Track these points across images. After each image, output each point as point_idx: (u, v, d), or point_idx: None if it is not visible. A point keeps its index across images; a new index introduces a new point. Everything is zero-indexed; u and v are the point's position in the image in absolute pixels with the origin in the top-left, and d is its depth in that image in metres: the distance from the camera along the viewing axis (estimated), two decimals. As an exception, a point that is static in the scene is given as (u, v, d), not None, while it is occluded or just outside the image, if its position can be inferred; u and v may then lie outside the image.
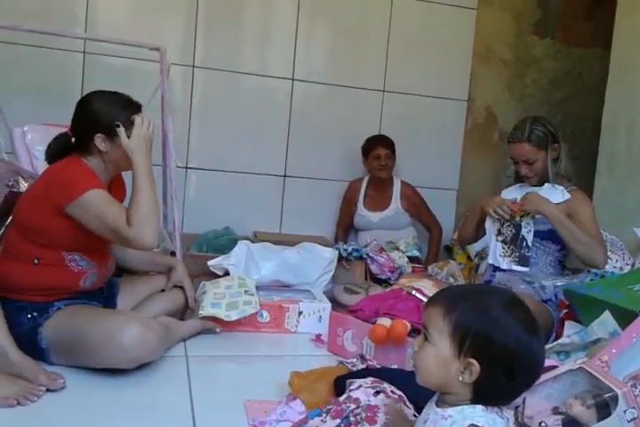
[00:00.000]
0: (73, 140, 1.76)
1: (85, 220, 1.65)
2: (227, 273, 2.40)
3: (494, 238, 2.22)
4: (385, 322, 1.84)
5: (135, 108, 1.79)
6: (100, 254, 1.83)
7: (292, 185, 3.42)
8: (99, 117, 1.72)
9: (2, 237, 1.86)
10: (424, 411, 0.95)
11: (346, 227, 3.38)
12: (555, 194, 2.17)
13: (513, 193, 2.29)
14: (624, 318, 1.70)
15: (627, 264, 2.28)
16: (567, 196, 2.17)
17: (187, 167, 3.22)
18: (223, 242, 2.83)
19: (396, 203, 3.31)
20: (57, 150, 1.79)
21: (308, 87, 3.39)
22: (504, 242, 2.19)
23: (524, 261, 2.17)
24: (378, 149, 3.22)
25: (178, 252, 2.32)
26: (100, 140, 1.72)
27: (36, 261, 1.70)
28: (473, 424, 0.85)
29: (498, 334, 0.86)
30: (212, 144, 3.25)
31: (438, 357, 0.89)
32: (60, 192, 1.65)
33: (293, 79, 3.36)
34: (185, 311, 2.09)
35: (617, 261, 2.28)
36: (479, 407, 0.87)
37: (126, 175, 1.88)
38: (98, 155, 1.76)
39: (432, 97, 3.57)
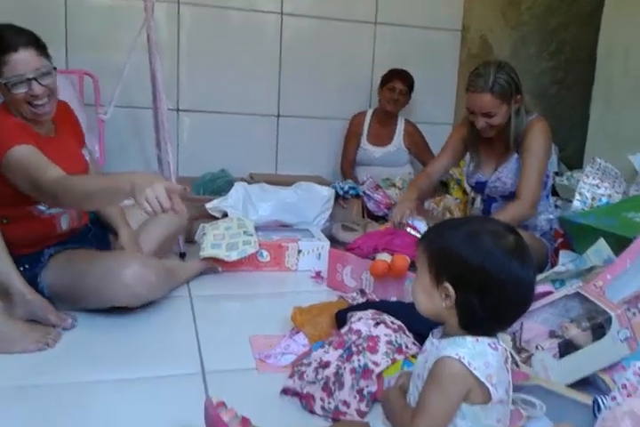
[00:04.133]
0: None
1: (14, 179, 1.56)
2: (225, 215, 2.42)
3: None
4: (385, 257, 1.87)
5: (7, 46, 1.57)
6: None
7: (285, 125, 3.37)
8: None
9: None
10: (425, 344, 0.98)
11: (352, 161, 3.35)
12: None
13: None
14: (618, 244, 1.73)
15: (617, 192, 2.28)
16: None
17: (178, 109, 3.16)
18: (220, 184, 2.83)
19: (398, 139, 3.30)
20: None
21: (297, 21, 3.28)
22: None
23: None
24: (395, 82, 3.19)
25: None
26: None
27: (5, 221, 1.66)
28: (447, 356, 0.87)
29: (465, 258, 0.87)
30: (203, 85, 3.18)
31: (423, 288, 0.92)
32: None
33: (282, 13, 3.25)
34: (187, 231, 2.09)
35: (606, 188, 2.27)
36: (469, 339, 0.89)
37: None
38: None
39: (425, 28, 3.47)
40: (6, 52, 1.56)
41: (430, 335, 0.98)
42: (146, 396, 1.29)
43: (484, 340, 0.89)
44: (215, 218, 2.37)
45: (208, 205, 2.42)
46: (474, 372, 0.86)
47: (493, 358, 0.89)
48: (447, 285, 0.89)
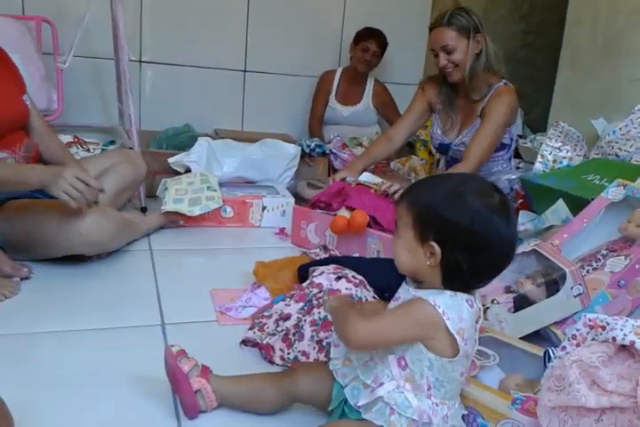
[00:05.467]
0: None
1: None
2: (188, 170, 2.37)
3: None
4: (345, 213, 1.87)
5: None
6: (8, 140, 1.71)
7: (252, 80, 3.29)
8: None
9: None
10: (397, 292, 0.98)
11: (320, 119, 3.31)
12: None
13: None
14: (576, 206, 1.76)
15: (577, 155, 2.32)
16: None
17: (140, 61, 3.06)
18: (183, 139, 2.77)
19: (367, 99, 3.28)
20: None
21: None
22: None
23: None
24: (370, 42, 3.13)
25: (136, 148, 2.26)
26: None
27: None
28: (424, 299, 0.88)
29: (452, 216, 0.87)
30: (167, 36, 3.06)
31: (406, 247, 0.92)
32: None
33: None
34: (148, 186, 2.09)
35: (567, 151, 2.31)
36: (448, 293, 0.89)
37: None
38: None
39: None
40: None
41: (405, 284, 0.98)
42: (104, 347, 1.28)
43: (463, 296, 0.90)
44: (178, 173, 2.32)
45: (170, 160, 2.37)
46: (446, 322, 0.87)
47: (468, 314, 0.89)
48: (433, 243, 0.88)
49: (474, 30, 2.06)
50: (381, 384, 0.91)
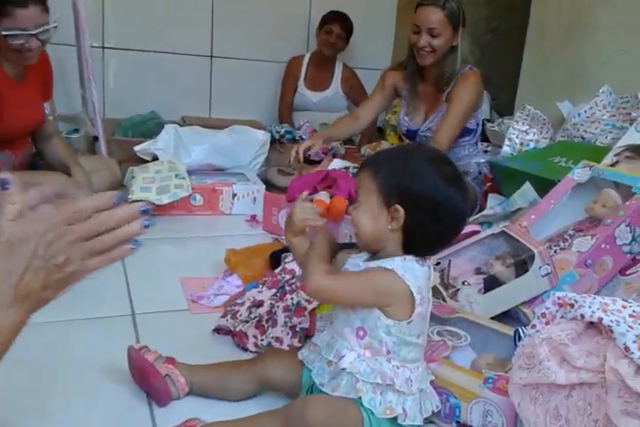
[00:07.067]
0: None
1: None
2: (155, 158, 2.33)
3: None
4: (323, 197, 1.85)
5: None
6: (13, 144, 1.73)
7: (219, 66, 3.25)
8: None
9: None
10: (344, 266, 1.00)
11: (289, 105, 3.28)
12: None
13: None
14: (544, 188, 1.78)
15: (544, 138, 2.35)
16: None
17: (103, 47, 2.98)
18: (150, 127, 2.72)
19: (336, 84, 3.26)
20: None
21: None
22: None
23: None
24: (333, 24, 3.10)
25: (101, 137, 2.22)
26: None
27: None
28: (384, 267, 0.92)
29: (416, 183, 0.92)
30: (130, 20, 2.99)
31: (368, 212, 0.95)
32: None
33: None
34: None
35: (534, 134, 2.35)
36: (397, 258, 0.93)
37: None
38: None
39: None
40: (15, 4, 1.56)
41: (350, 259, 1.01)
42: (73, 338, 1.26)
43: (411, 257, 0.94)
44: (144, 161, 2.28)
45: (137, 148, 2.32)
46: (406, 282, 0.91)
47: (421, 272, 0.94)
48: (398, 206, 0.92)
49: (460, 22, 2.06)
50: (342, 357, 0.94)
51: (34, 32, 1.60)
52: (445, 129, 2.08)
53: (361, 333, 0.94)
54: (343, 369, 0.93)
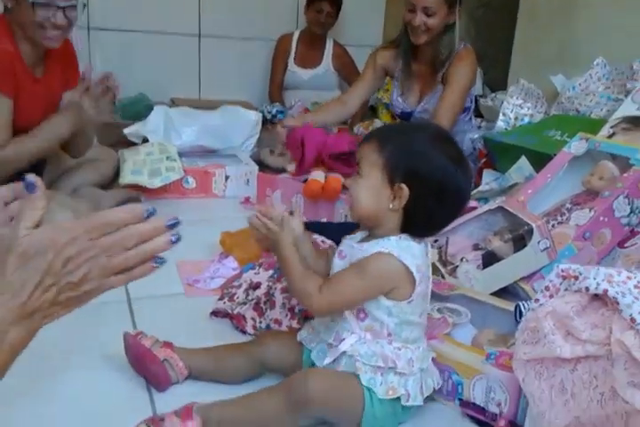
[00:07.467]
0: None
1: None
2: (145, 141, 2.29)
3: None
4: (319, 177, 1.84)
5: None
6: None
7: (208, 46, 3.19)
8: None
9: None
10: (340, 249, 0.97)
11: (280, 84, 3.23)
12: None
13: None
14: (539, 162, 1.77)
15: (538, 112, 2.32)
16: None
17: (88, 28, 2.91)
18: (138, 109, 2.67)
19: (327, 61, 3.21)
20: None
21: None
22: None
23: None
24: (322, 3, 3.03)
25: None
26: None
27: None
28: (378, 252, 0.89)
29: (425, 164, 0.89)
30: (115, 0, 2.92)
31: (370, 187, 0.92)
32: None
33: None
34: (112, 182, 2.02)
35: (529, 108, 2.32)
36: (393, 237, 0.91)
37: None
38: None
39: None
40: None
41: (345, 240, 0.98)
42: (68, 324, 1.22)
43: (407, 236, 0.92)
44: (134, 144, 2.24)
45: (126, 131, 2.28)
46: (404, 262, 0.89)
47: (418, 250, 0.92)
48: (403, 185, 0.89)
49: (455, 0, 1.99)
50: (343, 340, 0.93)
51: (62, 4, 1.54)
52: (445, 111, 2.02)
53: (362, 315, 0.93)
54: (344, 352, 0.92)
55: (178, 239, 0.60)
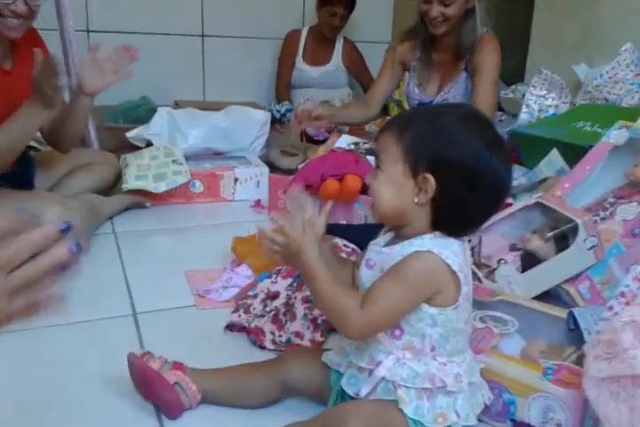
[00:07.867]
0: None
1: None
2: (149, 145, 2.18)
3: None
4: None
5: None
6: None
7: (211, 46, 3.08)
8: None
9: None
10: (367, 257, 0.85)
11: (287, 83, 3.11)
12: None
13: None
14: (570, 154, 1.65)
15: (564, 103, 2.20)
16: None
17: (88, 31, 2.82)
18: (141, 113, 2.56)
19: (337, 58, 3.09)
20: None
21: None
22: None
23: None
24: (337, 5, 2.88)
25: (89, 124, 2.07)
26: None
27: None
28: (416, 251, 0.77)
29: (452, 148, 0.76)
30: (115, 1, 2.82)
31: (391, 182, 0.79)
32: None
33: None
34: (113, 188, 1.91)
35: (553, 99, 2.19)
36: (426, 236, 0.79)
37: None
38: None
39: None
40: None
41: (371, 246, 0.85)
42: (72, 344, 1.13)
43: (441, 233, 0.80)
44: (138, 148, 2.13)
45: (129, 134, 2.17)
46: (446, 260, 0.76)
47: (458, 247, 0.80)
48: (428, 175, 0.76)
49: None
50: (379, 363, 0.80)
51: None
52: (483, 101, 1.88)
53: (397, 332, 0.79)
54: (383, 378, 0.79)
55: (79, 248, 0.52)
